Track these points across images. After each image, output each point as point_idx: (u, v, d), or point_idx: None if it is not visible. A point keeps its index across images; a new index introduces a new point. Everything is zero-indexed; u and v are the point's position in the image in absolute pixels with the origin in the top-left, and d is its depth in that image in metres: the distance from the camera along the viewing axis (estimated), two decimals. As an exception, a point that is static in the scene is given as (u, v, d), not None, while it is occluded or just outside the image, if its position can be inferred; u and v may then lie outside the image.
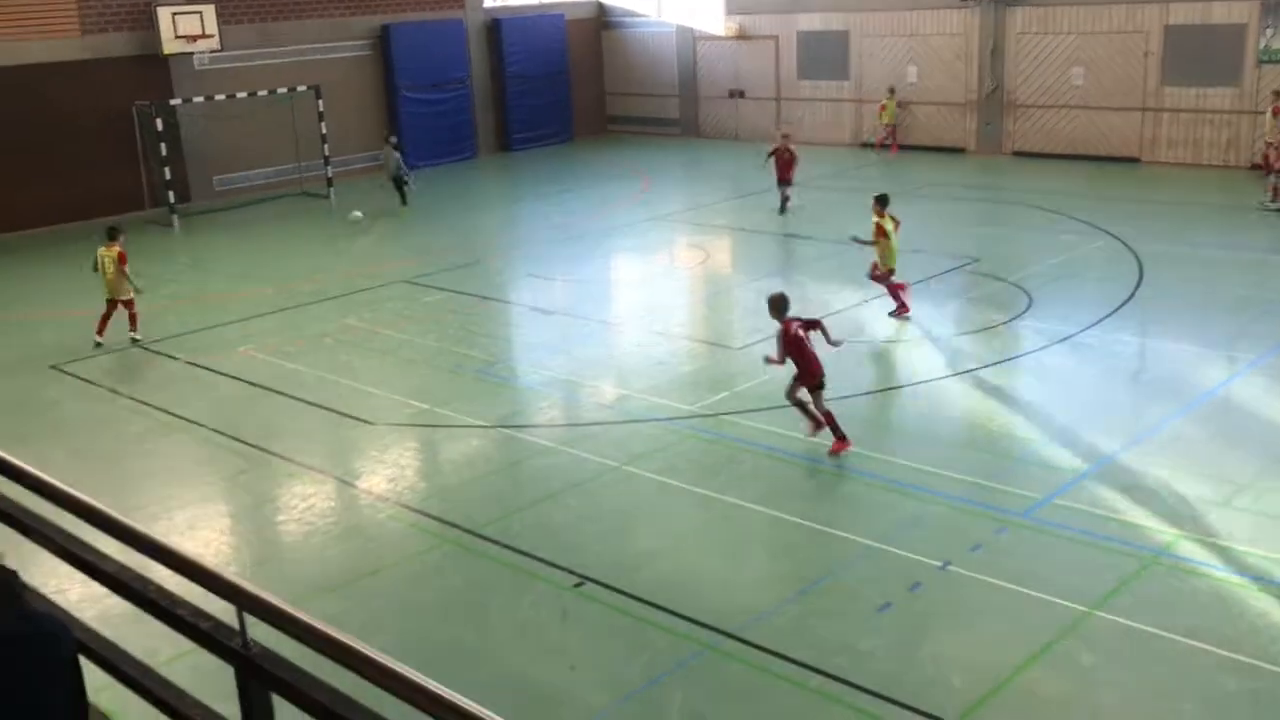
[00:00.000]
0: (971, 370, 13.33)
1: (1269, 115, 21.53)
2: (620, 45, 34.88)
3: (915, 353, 14.11)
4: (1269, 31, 24.10)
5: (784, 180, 21.76)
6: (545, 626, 8.41)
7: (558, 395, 13.36)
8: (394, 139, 25.88)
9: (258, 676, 3.16)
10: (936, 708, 7.15)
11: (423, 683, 2.70)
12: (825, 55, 30.54)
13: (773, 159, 21.99)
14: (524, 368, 14.59)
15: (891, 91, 28.59)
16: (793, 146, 21.81)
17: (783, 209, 21.85)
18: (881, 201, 15.42)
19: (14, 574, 3.53)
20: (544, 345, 15.26)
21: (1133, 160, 25.63)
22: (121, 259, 15.47)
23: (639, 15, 34.02)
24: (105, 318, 15.66)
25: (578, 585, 8.89)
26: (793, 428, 11.69)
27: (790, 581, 8.84)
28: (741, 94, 32.42)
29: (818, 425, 11.11)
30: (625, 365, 14.24)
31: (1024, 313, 15.28)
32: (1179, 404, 11.95)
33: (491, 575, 9.27)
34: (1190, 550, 8.91)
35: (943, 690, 7.34)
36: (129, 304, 15.70)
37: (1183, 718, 6.98)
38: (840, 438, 10.97)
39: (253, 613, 3.13)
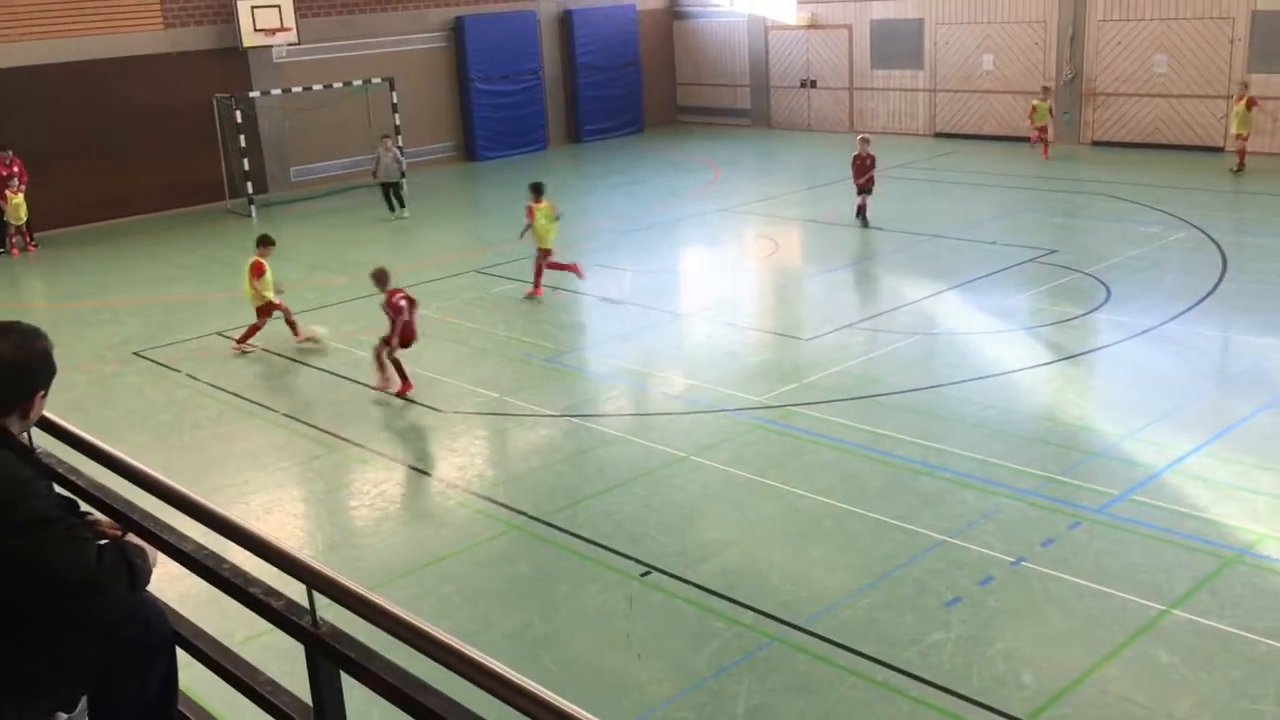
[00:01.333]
0: (1048, 363, 13.11)
1: (1240, 107, 22.46)
2: (691, 36, 34.79)
3: (990, 345, 13.90)
4: (1363, 16, 23.32)
5: (864, 188, 20.12)
6: (611, 615, 8.44)
7: (626, 385, 13.39)
8: (389, 138, 24.20)
9: (327, 655, 3.21)
10: (1006, 705, 7.05)
11: (489, 664, 2.73)
12: (898, 44, 30.17)
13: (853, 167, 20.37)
14: (593, 357, 14.64)
15: (1045, 91, 26.51)
16: (873, 152, 20.16)
17: (862, 218, 20.12)
18: (536, 190, 16.43)
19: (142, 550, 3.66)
20: (613, 335, 15.30)
21: (1216, 149, 24.97)
22: (253, 269, 14.69)
23: (710, 5, 33.90)
24: (253, 328, 15.03)
25: (644, 574, 8.91)
26: (860, 420, 11.60)
27: (858, 574, 8.77)
28: (813, 84, 32.17)
29: (389, 382, 13.11)
30: (693, 356, 14.22)
31: (1102, 305, 14.97)
32: (1263, 399, 11.63)
33: (559, 563, 9.32)
34: (1273, 549, 8.68)
35: (1013, 687, 7.23)
36: (263, 312, 14.95)
37: (1263, 718, 6.80)
38: (405, 379, 13.11)
39: (323, 592, 3.18)
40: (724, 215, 22.31)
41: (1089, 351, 13.45)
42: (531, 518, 10.02)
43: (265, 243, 15.07)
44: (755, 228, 21.49)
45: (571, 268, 16.88)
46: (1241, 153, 22.36)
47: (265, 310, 14.98)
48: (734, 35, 33.65)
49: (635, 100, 33.35)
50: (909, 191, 23.06)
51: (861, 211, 20.14)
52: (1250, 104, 22.47)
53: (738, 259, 19.81)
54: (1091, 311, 14.77)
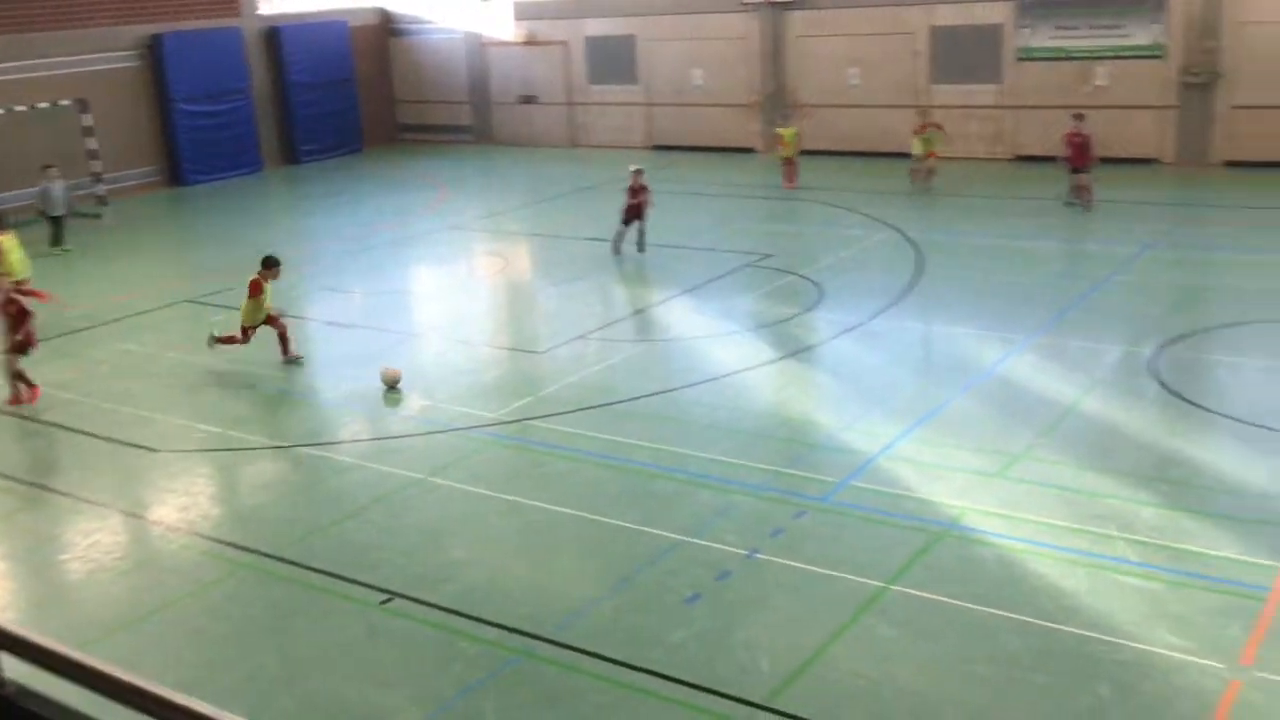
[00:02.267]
0: (770, 362, 13.71)
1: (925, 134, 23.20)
2: (408, 52, 34.36)
3: (716, 348, 14.41)
4: (1025, 31, 25.72)
5: (633, 219, 19.02)
6: (353, 646, 8.17)
7: (359, 410, 13.03)
8: (54, 168, 21.89)
9: (12, 715, 2.93)
10: (747, 692, 7.30)
11: (201, 709, 2.56)
12: (613, 60, 30.89)
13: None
14: (323, 384, 14.18)
15: (785, 118, 26.09)
16: (646, 183, 19.05)
17: (640, 245, 19.02)
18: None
19: None
20: (343, 360, 14.86)
21: (907, 155, 26.88)
22: (250, 288, 14.35)
23: (425, 22, 33.60)
24: (231, 338, 14.58)
25: (385, 602, 8.69)
26: (597, 429, 11.76)
27: (601, 581, 8.87)
28: (534, 99, 32.44)
29: (19, 398, 13.24)
30: (428, 376, 14.01)
31: (816, 304, 15.81)
32: (960, 384, 12.60)
33: (294, 599, 8.95)
34: (975, 521, 9.40)
35: (753, 674, 7.51)
36: (248, 331, 14.48)
37: (974, 678, 7.34)
38: (32, 385, 13.36)
39: (7, 649, 2.91)
40: (451, 233, 22.13)
41: (806, 349, 14.18)
42: (263, 555, 9.57)
43: (269, 264, 14.63)
44: (483, 244, 21.44)
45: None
46: (929, 170, 23.14)
47: (251, 329, 14.54)
48: (452, 52, 33.48)
49: (353, 119, 32.60)
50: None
51: (618, 240, 19.10)
52: (925, 129, 23.27)
53: (468, 276, 19.70)
54: (807, 311, 15.57)
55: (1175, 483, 10.01)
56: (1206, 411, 11.55)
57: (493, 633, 8.16)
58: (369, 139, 33.13)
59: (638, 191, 19.06)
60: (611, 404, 12.50)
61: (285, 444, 11.96)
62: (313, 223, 23.95)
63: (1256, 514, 9.27)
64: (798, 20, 28.16)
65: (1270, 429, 10.90)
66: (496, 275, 19.44)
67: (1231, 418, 11.28)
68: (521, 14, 31.82)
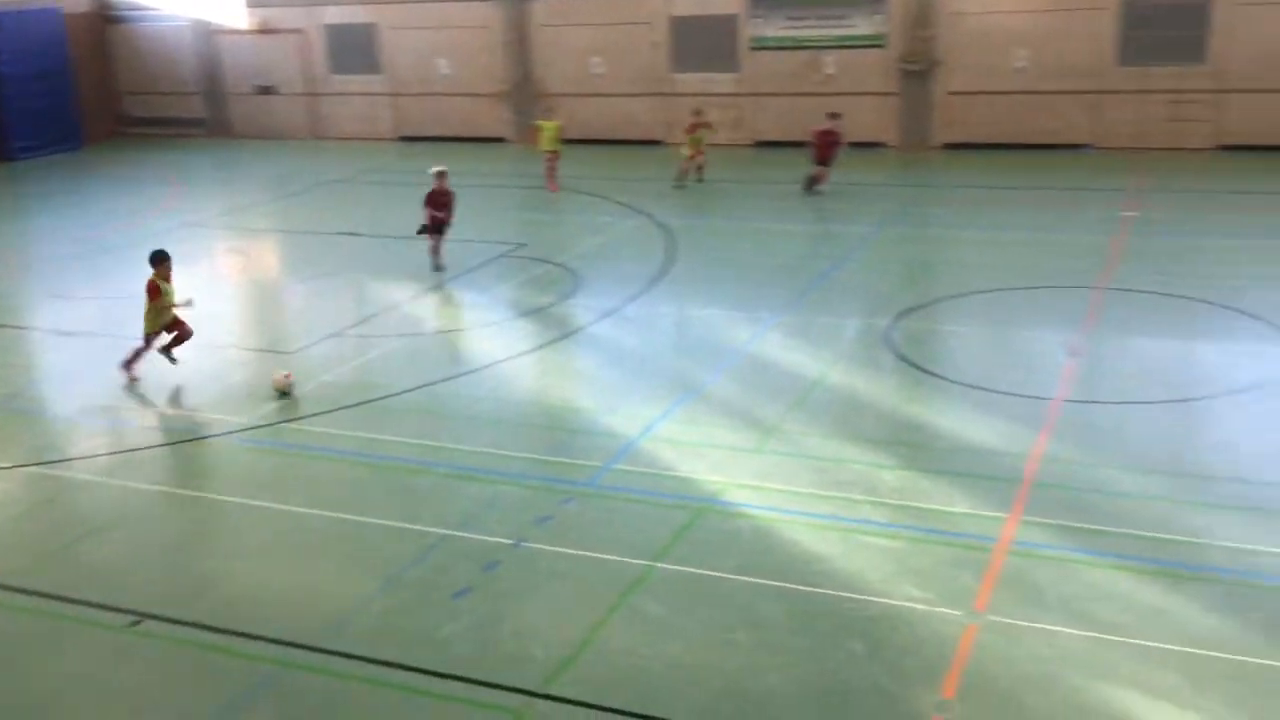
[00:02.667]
0: (531, 351, 13.74)
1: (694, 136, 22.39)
2: (130, 41, 32.35)
3: (476, 339, 14.32)
4: (758, 21, 26.73)
5: (438, 229, 17.24)
6: (98, 675, 7.68)
7: (96, 423, 12.21)
8: None
9: None
10: (521, 681, 7.32)
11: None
12: (354, 49, 30.09)
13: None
14: (52, 397, 13.21)
15: (548, 111, 24.15)
16: (449, 187, 17.32)
17: (435, 265, 17.30)
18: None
19: None
20: (74, 371, 13.89)
21: (656, 143, 27.46)
22: (148, 293, 13.23)
23: (147, 8, 31.70)
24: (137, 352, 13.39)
25: (134, 624, 8.20)
26: (355, 428, 11.48)
27: (366, 583, 8.68)
28: (272, 90, 31.19)
29: None
30: (171, 383, 13.27)
31: (573, 292, 15.95)
32: (714, 364, 13.01)
33: (27, 630, 8.32)
34: (734, 495, 9.74)
35: (526, 663, 7.53)
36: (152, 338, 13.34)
37: (737, 647, 7.62)
38: None
39: None
40: (189, 230, 21.00)
41: (565, 336, 14.29)
42: (-10, 585, 8.85)
43: (158, 260, 13.35)
44: (224, 241, 20.48)
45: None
46: (699, 166, 22.59)
47: (156, 335, 13.36)
48: (179, 40, 31.74)
49: (70, 112, 30.41)
50: (381, 196, 23.11)
51: (436, 258, 17.27)
52: (696, 129, 22.44)
53: (210, 275, 18.75)
54: (564, 299, 15.69)
55: (913, 446, 10.69)
56: (938, 378, 12.38)
57: (255, 646, 7.84)
58: (91, 133, 31.02)
59: (440, 198, 17.09)
60: (369, 401, 12.22)
61: (8, 464, 11.08)
62: (36, 224, 22.23)
63: (984, 470, 10.02)
64: (539, 9, 28.23)
65: (993, 390, 11.80)
66: (241, 274, 18.62)
67: (960, 382, 12.14)
68: (254, 0, 30.51)
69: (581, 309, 15.25)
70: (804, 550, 8.77)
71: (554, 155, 22.74)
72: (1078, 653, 7.35)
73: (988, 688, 7.05)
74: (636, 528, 9.29)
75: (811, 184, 21.55)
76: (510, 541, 9.09)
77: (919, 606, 7.94)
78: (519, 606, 8.24)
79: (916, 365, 12.78)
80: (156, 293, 13.22)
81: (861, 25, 26.05)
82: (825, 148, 21.38)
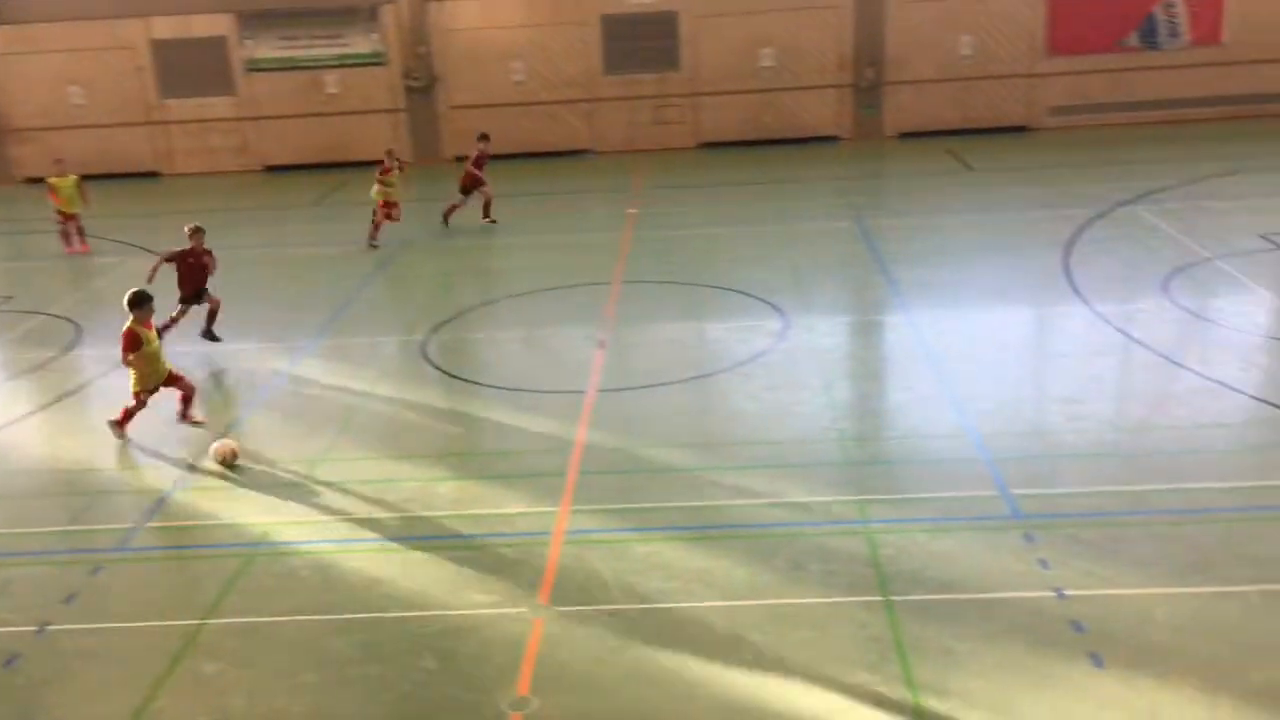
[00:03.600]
0: (31, 414, 12.32)
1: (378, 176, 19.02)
2: None
3: (-42, 410, 12.61)
4: (250, 42, 25.76)
5: (193, 296, 14.20)
6: None
7: None
8: None
9: None
10: (66, 780, 6.56)
11: None
12: None
13: None
14: None
15: (59, 164, 19.75)
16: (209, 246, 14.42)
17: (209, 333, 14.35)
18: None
19: None
20: None
21: (153, 175, 25.68)
22: (125, 343, 11.03)
23: None
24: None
25: None
26: None
27: None
28: None
29: None
30: None
31: (76, 343, 14.51)
32: (253, 398, 12.39)
33: None
34: (287, 533, 9.33)
35: (69, 759, 6.75)
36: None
37: (305, 689, 7.30)
38: None
39: None
40: None
41: (73, 392, 12.95)
42: None
43: (139, 303, 11.05)
44: None
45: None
46: (385, 220, 18.95)
47: (145, 393, 11.23)
48: None
49: None
50: None
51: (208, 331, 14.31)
52: (389, 171, 18.99)
53: None
54: (67, 351, 14.24)
55: (462, 455, 10.81)
56: (479, 385, 12.61)
57: None
58: None
59: (193, 259, 14.06)
60: None
61: None
62: None
63: (533, 468, 10.34)
64: (2, 36, 25.41)
65: (532, 390, 12.22)
66: None
67: (500, 387, 12.45)
68: None
69: (89, 360, 13.92)
70: (366, 577, 8.58)
71: (72, 218, 19.34)
72: (637, 625, 7.79)
73: (560, 676, 7.29)
74: (181, 586, 8.64)
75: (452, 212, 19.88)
76: (33, 629, 8.10)
77: (486, 611, 8.04)
78: (50, 698, 7.37)
79: (456, 375, 12.94)
80: (136, 343, 10.95)
81: (358, 43, 25.93)
82: (472, 177, 19.65)
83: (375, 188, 18.87)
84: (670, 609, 7.94)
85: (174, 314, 13.99)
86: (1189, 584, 7.86)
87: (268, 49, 25.79)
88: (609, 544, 8.92)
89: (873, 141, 26.25)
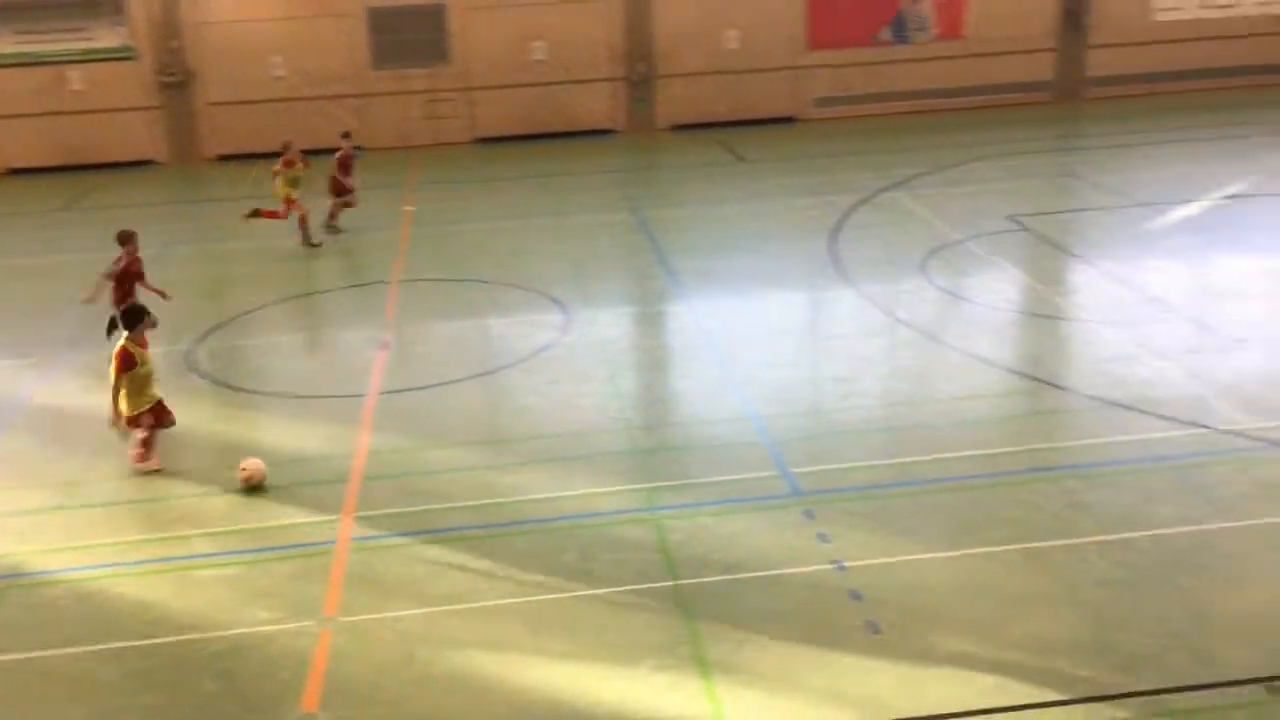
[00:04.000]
0: None
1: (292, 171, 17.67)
2: None
3: None
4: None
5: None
6: None
7: None
8: None
9: None
10: None
11: None
12: None
13: None
14: None
15: (288, 164, 17.71)
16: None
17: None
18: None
19: None
20: None
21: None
22: (118, 363, 9.81)
23: None
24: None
25: None
26: None
27: None
28: None
29: None
30: None
31: None
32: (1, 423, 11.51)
33: None
34: (46, 562, 8.71)
35: None
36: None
37: (76, 727, 6.86)
38: None
39: None
40: None
41: None
42: None
43: (136, 318, 9.97)
44: None
45: None
46: (276, 218, 17.63)
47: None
48: None
49: None
50: None
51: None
52: (290, 164, 17.64)
53: None
54: None
55: (235, 466, 10.33)
56: (253, 393, 12.10)
57: None
58: None
59: (135, 270, 12.67)
60: None
61: None
62: None
63: (314, 476, 10.00)
64: None
65: (310, 396, 11.82)
66: None
67: (276, 394, 11.98)
68: None
69: None
70: (134, 602, 8.10)
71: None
72: (427, 629, 7.65)
73: (349, 688, 7.08)
74: (-76, 628, 7.93)
75: (333, 219, 18.42)
76: None
77: (268, 628, 7.72)
78: None
79: (228, 384, 12.38)
80: (130, 363, 9.68)
81: (104, 37, 24.41)
82: (344, 175, 18.30)
83: (278, 181, 17.53)
84: (461, 610, 7.84)
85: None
86: (955, 548, 8.33)
87: (6, 43, 23.95)
88: (396, 549, 8.72)
89: (647, 134, 26.63)
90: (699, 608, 7.71)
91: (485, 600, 7.94)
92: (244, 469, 9.84)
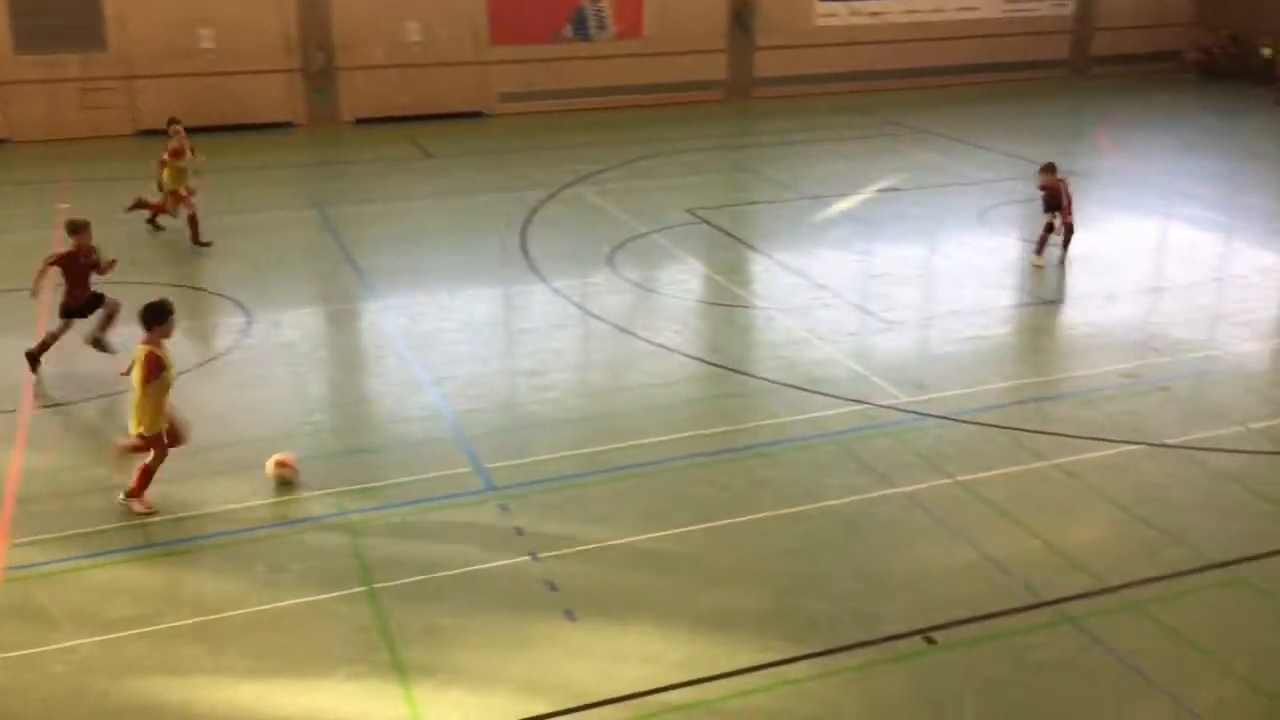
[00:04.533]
0: None
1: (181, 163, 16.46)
2: None
3: None
4: None
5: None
6: None
7: None
8: None
9: None
10: None
11: None
12: None
13: None
14: None
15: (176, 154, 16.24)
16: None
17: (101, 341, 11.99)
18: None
19: None
20: None
21: None
22: (146, 367, 8.57)
23: None
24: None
25: None
26: None
27: None
28: None
29: None
30: None
31: None
32: None
33: None
34: None
35: None
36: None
37: None
38: None
39: None
40: None
41: None
42: None
43: (159, 316, 8.69)
44: None
45: None
46: (192, 217, 16.24)
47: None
48: None
49: None
50: None
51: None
52: (177, 155, 16.41)
53: None
54: None
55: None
56: (-121, 415, 10.81)
57: None
58: None
59: (85, 259, 11.83)
60: None
61: None
62: None
63: (-42, 503, 9.07)
64: None
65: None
66: None
67: (-93, 415, 10.77)
68: None
69: None
70: None
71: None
72: (99, 658, 7.11)
73: (10, 731, 6.49)
74: None
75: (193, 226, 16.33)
76: None
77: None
78: None
79: None
80: (159, 367, 8.54)
81: None
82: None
83: (165, 172, 16.20)
84: (137, 635, 7.34)
85: (54, 330, 11.78)
86: (644, 531, 8.61)
87: None
88: (59, 575, 8.05)
89: (329, 128, 25.79)
90: (395, 610, 7.58)
91: (166, 622, 7.46)
92: (283, 462, 9.19)
